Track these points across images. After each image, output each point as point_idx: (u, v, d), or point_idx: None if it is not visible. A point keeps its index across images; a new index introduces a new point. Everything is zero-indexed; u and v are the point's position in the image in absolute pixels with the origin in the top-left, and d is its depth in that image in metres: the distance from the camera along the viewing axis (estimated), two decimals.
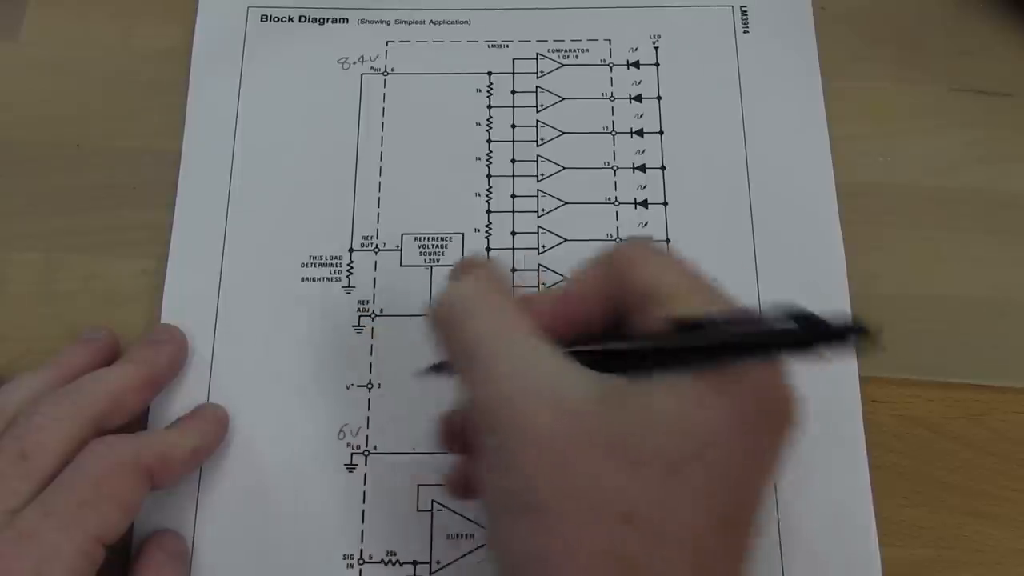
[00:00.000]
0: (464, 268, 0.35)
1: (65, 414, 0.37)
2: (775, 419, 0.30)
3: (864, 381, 0.42)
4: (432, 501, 0.41)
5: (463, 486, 0.37)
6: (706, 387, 0.29)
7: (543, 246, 0.45)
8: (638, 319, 0.32)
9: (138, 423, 0.41)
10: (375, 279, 0.44)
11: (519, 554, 0.30)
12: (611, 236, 0.45)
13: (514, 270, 0.45)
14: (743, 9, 0.50)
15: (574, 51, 0.49)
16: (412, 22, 0.49)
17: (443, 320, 0.33)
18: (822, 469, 0.41)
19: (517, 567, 0.30)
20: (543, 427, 0.29)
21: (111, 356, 0.42)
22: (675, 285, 0.31)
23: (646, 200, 0.46)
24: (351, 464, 0.41)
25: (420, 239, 0.45)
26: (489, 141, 0.47)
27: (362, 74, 0.48)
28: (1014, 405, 0.42)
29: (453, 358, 0.33)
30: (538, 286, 0.44)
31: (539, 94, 0.48)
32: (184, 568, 0.40)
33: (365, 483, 0.41)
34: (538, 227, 0.45)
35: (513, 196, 0.46)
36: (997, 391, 0.43)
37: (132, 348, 0.42)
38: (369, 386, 0.43)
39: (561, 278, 0.44)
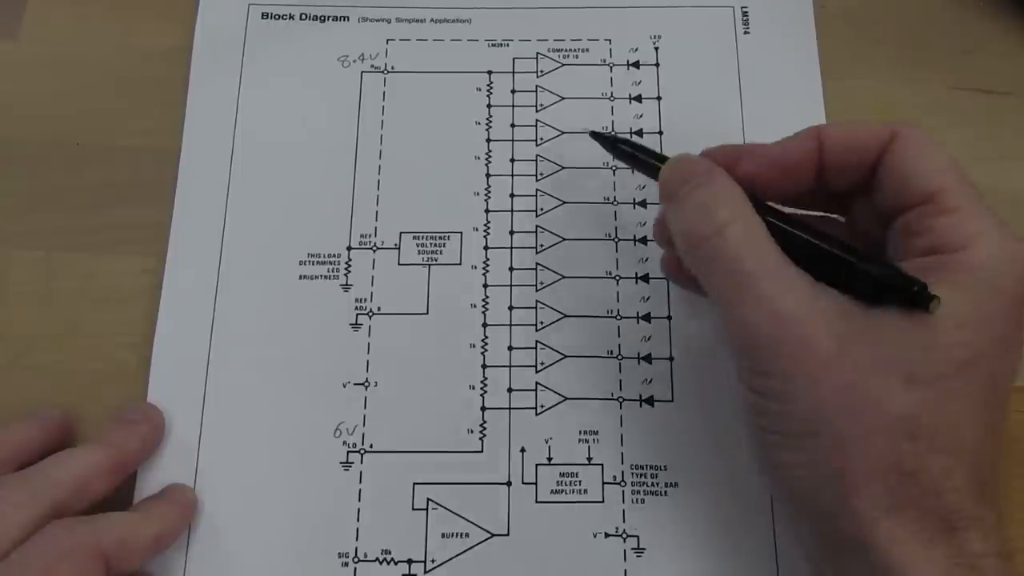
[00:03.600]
0: (700, 175, 0.35)
1: (25, 500, 0.35)
2: (1019, 310, 0.32)
3: None
4: (428, 499, 0.41)
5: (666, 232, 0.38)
6: (966, 305, 0.31)
7: (541, 245, 0.45)
8: (886, 200, 0.34)
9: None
10: (373, 277, 0.44)
11: (806, 477, 0.32)
12: (610, 236, 0.45)
13: (512, 269, 0.45)
14: (744, 9, 0.49)
15: (574, 51, 0.49)
16: (412, 20, 0.50)
17: (698, 243, 0.34)
18: None
19: (805, 490, 0.32)
20: (825, 351, 0.31)
21: (62, 438, 0.41)
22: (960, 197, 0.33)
23: (645, 200, 0.46)
24: (347, 462, 0.41)
25: (418, 238, 0.45)
26: (488, 140, 0.47)
27: (362, 72, 0.48)
28: (1014, 404, 0.42)
29: (703, 269, 0.34)
30: (536, 286, 0.44)
31: (539, 93, 0.48)
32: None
33: (361, 481, 0.41)
34: (536, 226, 0.45)
35: (512, 195, 0.46)
36: None
37: (105, 427, 0.40)
38: (366, 384, 0.43)
39: (559, 277, 0.44)
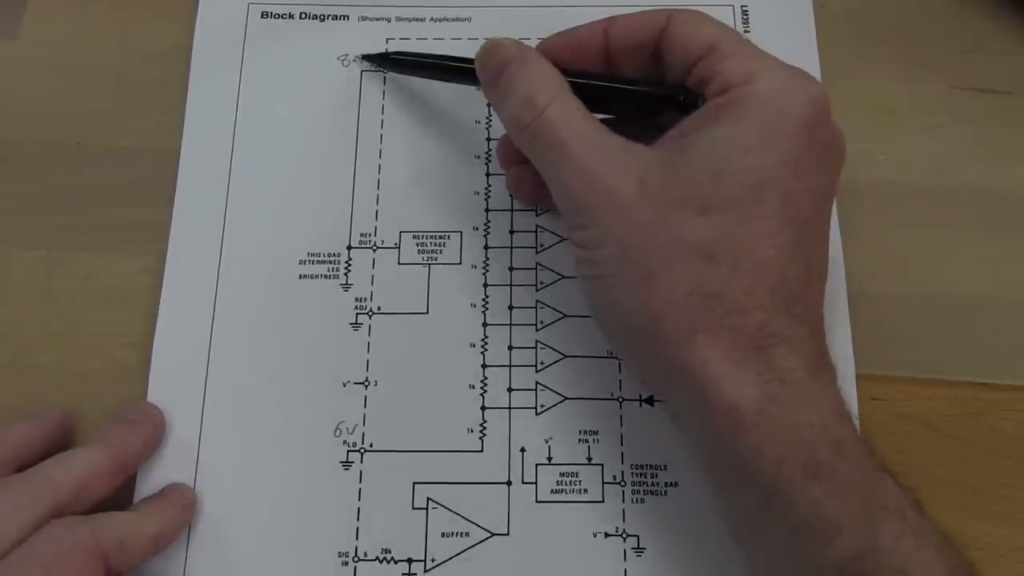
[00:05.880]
0: (515, 59, 0.38)
1: (26, 501, 0.35)
2: (825, 151, 0.36)
3: (863, 379, 0.42)
4: (427, 499, 0.41)
5: (508, 154, 0.44)
6: (753, 131, 0.34)
7: (541, 244, 0.45)
8: (673, 68, 0.38)
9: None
10: (373, 277, 0.44)
11: (623, 313, 0.35)
12: None
13: (512, 269, 0.45)
14: (744, 8, 0.49)
15: None
16: (412, 19, 0.49)
17: (522, 123, 0.37)
18: None
19: (626, 327, 0.35)
20: (626, 195, 0.34)
21: (62, 438, 0.41)
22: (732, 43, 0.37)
23: None
24: (347, 461, 0.41)
25: (418, 237, 0.45)
26: (488, 139, 0.47)
27: (362, 71, 0.48)
28: (1014, 403, 0.42)
29: (531, 148, 0.38)
30: (536, 285, 0.44)
31: None
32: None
33: (361, 480, 0.41)
34: (536, 226, 0.45)
35: (512, 195, 0.46)
36: (997, 389, 0.42)
37: (105, 427, 0.40)
38: (366, 383, 0.43)
39: (558, 277, 0.44)
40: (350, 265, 0.45)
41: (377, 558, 0.40)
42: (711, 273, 0.33)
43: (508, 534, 0.40)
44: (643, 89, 0.39)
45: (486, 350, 0.43)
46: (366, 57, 0.47)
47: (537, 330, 0.44)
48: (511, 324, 0.44)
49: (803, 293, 0.34)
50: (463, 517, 0.41)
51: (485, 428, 0.42)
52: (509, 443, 0.42)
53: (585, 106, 0.37)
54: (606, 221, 0.35)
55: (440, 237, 0.45)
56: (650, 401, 0.42)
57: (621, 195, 0.34)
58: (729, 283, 0.33)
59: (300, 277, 0.44)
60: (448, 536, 0.40)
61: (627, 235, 0.34)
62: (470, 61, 0.41)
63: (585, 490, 0.41)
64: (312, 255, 0.45)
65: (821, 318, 0.35)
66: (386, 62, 0.47)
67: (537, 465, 0.41)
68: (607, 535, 0.40)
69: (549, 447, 0.42)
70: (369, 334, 0.43)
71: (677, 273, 0.33)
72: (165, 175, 0.46)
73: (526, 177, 0.43)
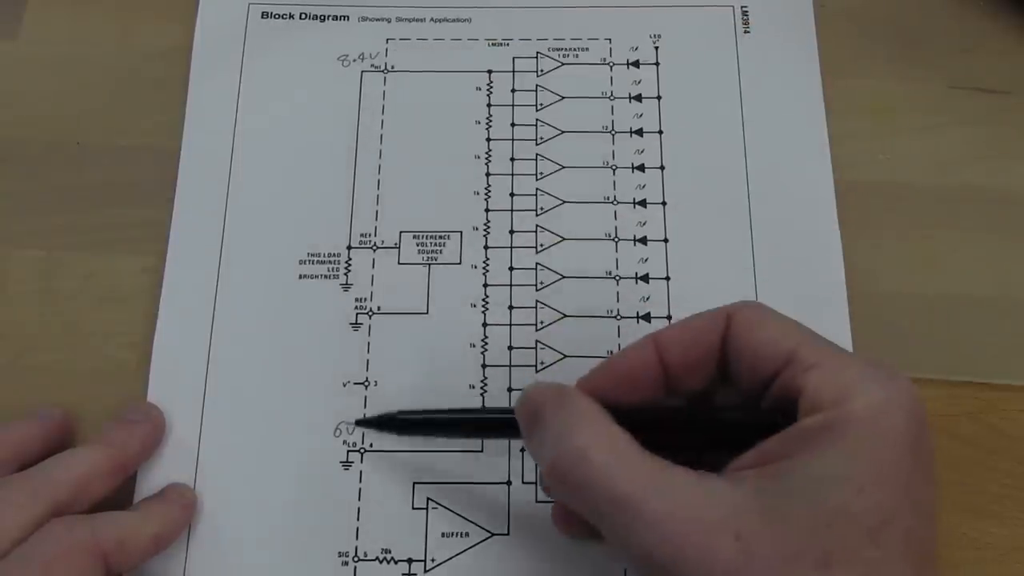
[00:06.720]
0: (551, 400, 0.33)
1: (26, 501, 0.35)
2: (928, 463, 0.30)
3: None
4: (427, 499, 0.41)
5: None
6: (861, 466, 0.29)
7: (541, 244, 0.45)
8: (746, 381, 0.33)
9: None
10: (373, 277, 0.44)
11: None
12: (609, 235, 0.45)
13: (512, 268, 0.45)
14: (744, 9, 0.49)
15: (574, 50, 0.49)
16: (412, 20, 0.50)
17: (564, 475, 0.31)
18: None
19: None
20: (728, 557, 0.28)
21: (62, 438, 0.41)
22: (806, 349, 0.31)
23: (645, 199, 0.46)
24: (347, 462, 0.41)
25: (418, 237, 0.45)
26: (488, 139, 0.47)
27: (362, 71, 0.48)
28: (1015, 403, 0.42)
29: (577, 501, 0.31)
30: (536, 285, 0.44)
31: (539, 93, 0.48)
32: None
33: (360, 481, 0.41)
34: (536, 226, 0.45)
35: (512, 194, 0.46)
36: (997, 389, 0.42)
37: (105, 427, 0.40)
38: (366, 383, 0.43)
39: (558, 277, 0.44)
40: (350, 265, 0.45)
41: (377, 558, 0.40)
42: None
43: (508, 534, 0.40)
44: (737, 418, 0.33)
45: (486, 350, 0.43)
46: (360, 422, 0.42)
47: (537, 330, 0.44)
48: (511, 324, 0.44)
49: None
50: (463, 517, 0.41)
51: None
52: (509, 443, 0.42)
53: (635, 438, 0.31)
54: None
55: (440, 237, 0.45)
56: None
57: (723, 558, 0.28)
58: None
59: (300, 277, 0.44)
60: (448, 536, 0.40)
61: None
62: (491, 412, 0.39)
63: None
64: (312, 255, 0.45)
65: None
66: (392, 426, 0.41)
67: (537, 465, 0.41)
68: None
69: None
70: (369, 334, 0.43)
71: None
72: (165, 175, 0.46)
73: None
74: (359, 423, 0.41)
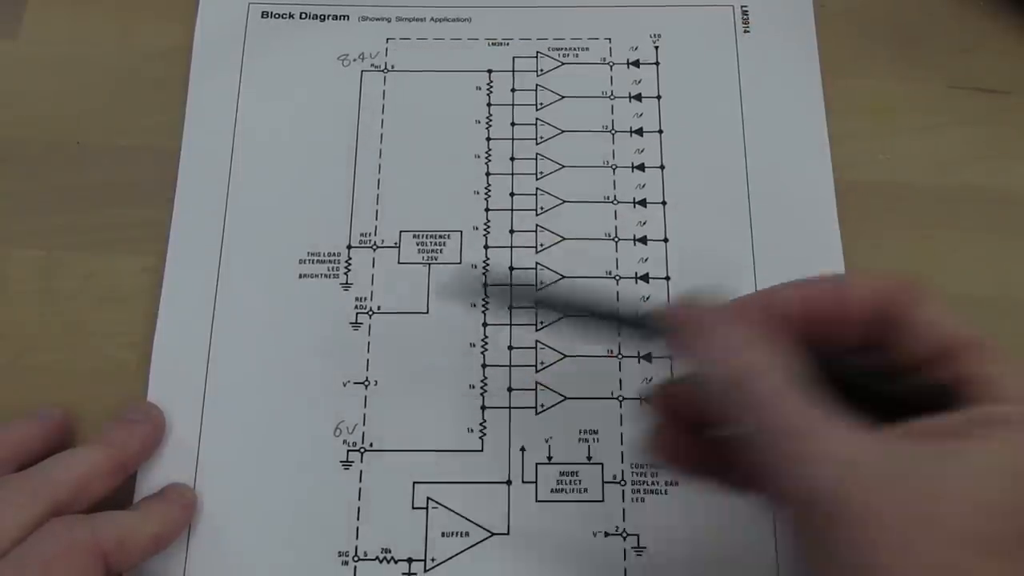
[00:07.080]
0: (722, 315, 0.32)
1: (26, 500, 0.35)
2: None
3: None
4: (427, 499, 0.41)
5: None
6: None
7: (541, 244, 0.45)
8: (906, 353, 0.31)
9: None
10: (373, 276, 0.44)
11: None
12: (609, 235, 0.45)
13: (512, 268, 0.45)
14: (744, 8, 0.49)
15: (574, 49, 0.49)
16: (413, 19, 0.50)
17: (738, 383, 0.30)
18: None
19: None
20: (892, 515, 0.27)
21: (62, 438, 0.41)
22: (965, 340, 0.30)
23: (645, 199, 0.46)
24: (347, 461, 0.41)
25: (418, 236, 0.45)
26: (488, 139, 0.47)
27: (362, 71, 0.48)
28: None
29: (742, 423, 0.30)
30: (536, 284, 0.44)
31: (539, 92, 0.48)
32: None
33: (361, 480, 0.41)
34: (536, 225, 0.45)
35: (512, 194, 0.46)
36: None
37: (105, 427, 0.40)
38: (366, 383, 0.43)
39: (558, 277, 0.44)
40: (350, 265, 0.45)
41: (377, 558, 0.40)
42: None
43: (508, 534, 0.40)
44: (905, 388, 0.31)
45: (486, 350, 0.43)
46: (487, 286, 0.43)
47: (537, 330, 0.44)
48: (511, 324, 0.44)
49: None
50: (463, 517, 0.41)
51: (485, 428, 0.42)
52: (509, 443, 0.42)
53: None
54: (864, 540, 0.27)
55: (440, 236, 0.45)
56: (649, 400, 0.42)
57: (887, 526, 0.27)
58: None
59: (300, 277, 0.44)
60: (448, 536, 0.40)
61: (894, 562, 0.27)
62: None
63: (585, 489, 0.41)
64: (312, 255, 0.45)
65: None
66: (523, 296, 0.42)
67: (537, 464, 0.41)
68: (607, 534, 0.40)
69: (549, 446, 0.42)
70: (369, 334, 0.43)
71: None
72: (165, 175, 0.46)
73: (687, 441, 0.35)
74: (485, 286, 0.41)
